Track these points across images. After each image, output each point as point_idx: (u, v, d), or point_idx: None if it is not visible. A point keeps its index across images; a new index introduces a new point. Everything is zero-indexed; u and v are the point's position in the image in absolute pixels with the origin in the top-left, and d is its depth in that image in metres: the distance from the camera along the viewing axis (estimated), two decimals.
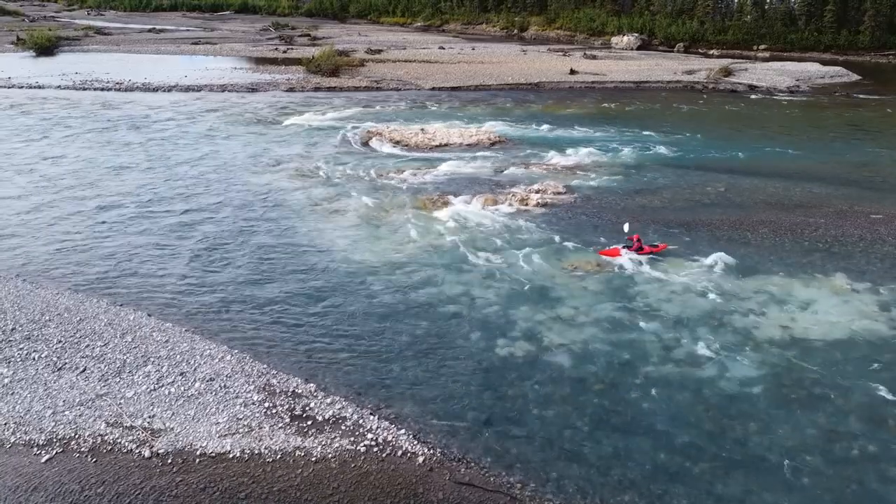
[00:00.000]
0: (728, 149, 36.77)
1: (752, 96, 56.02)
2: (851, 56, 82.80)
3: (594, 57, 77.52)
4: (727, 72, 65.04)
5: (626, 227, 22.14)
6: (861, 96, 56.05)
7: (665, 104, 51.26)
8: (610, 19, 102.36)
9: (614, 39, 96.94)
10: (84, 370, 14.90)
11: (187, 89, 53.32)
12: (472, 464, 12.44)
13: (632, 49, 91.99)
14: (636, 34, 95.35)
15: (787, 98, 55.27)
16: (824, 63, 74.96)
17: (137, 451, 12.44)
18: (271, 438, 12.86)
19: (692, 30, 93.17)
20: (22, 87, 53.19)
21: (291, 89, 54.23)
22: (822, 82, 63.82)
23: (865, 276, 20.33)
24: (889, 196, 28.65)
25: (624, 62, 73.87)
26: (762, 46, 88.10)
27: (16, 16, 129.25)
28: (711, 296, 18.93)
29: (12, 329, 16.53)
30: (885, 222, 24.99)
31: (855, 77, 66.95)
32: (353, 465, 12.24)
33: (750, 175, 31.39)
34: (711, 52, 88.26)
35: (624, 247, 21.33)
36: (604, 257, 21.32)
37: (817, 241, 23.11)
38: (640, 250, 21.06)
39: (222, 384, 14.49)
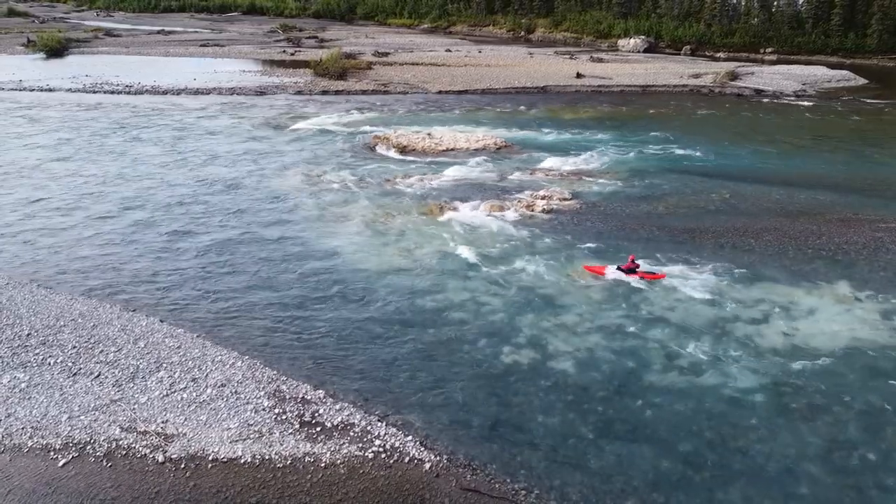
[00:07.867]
0: (733, 155, 36.95)
1: (759, 101, 56.11)
2: (858, 59, 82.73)
3: (601, 60, 77.70)
4: (733, 76, 65.17)
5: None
6: (867, 101, 56.06)
7: (671, 109, 51.39)
8: (616, 22, 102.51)
9: (621, 42, 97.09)
10: (98, 375, 15.23)
11: (196, 92, 53.80)
12: (478, 470, 12.70)
13: (638, 52, 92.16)
14: (643, 37, 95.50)
15: (794, 103, 55.32)
16: (831, 66, 75.01)
17: (151, 456, 12.76)
18: (281, 444, 13.15)
19: (699, 32, 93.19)
20: (33, 90, 53.75)
21: (299, 92, 54.62)
22: (829, 86, 63.82)
23: (868, 285, 20.50)
24: (894, 204, 28.75)
25: (630, 66, 73.99)
26: (769, 49, 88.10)
27: (26, 17, 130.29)
28: (715, 304, 19.14)
29: (28, 334, 16.89)
30: (889, 230, 25.13)
31: (862, 81, 66.96)
32: (361, 471, 12.53)
33: (755, 181, 31.57)
34: (718, 54, 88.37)
35: (617, 267, 20.73)
36: (589, 272, 20.92)
37: (821, 249, 23.28)
38: (631, 272, 20.44)
39: (233, 390, 14.80)
